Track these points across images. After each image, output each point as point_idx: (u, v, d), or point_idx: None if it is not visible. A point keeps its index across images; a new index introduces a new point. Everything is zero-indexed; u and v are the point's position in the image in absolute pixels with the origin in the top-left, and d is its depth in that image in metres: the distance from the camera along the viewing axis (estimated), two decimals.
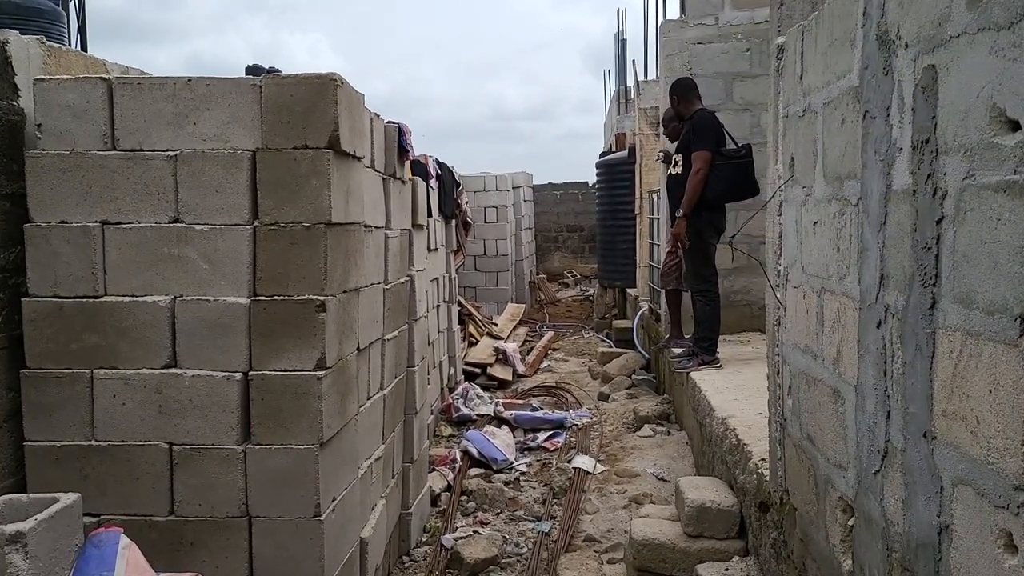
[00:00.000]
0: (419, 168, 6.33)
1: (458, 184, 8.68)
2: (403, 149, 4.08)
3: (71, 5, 17.02)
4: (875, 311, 2.05)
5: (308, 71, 2.95)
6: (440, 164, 7.67)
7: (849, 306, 2.25)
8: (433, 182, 7.07)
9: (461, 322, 10.25)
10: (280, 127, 2.94)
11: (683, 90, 5.75)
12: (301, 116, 2.93)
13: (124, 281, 3.00)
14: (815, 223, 2.57)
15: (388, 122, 4.11)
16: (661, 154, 7.19)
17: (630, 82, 14.22)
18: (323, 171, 2.93)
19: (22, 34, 3.29)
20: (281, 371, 2.95)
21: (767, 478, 3.31)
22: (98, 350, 2.99)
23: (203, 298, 2.97)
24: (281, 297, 2.95)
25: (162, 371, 2.98)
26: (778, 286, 3.05)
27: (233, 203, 2.97)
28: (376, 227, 3.82)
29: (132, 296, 2.99)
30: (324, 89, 2.92)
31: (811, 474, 2.65)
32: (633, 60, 13.37)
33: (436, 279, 7.39)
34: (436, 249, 7.33)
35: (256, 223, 2.97)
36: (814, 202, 2.58)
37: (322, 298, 2.94)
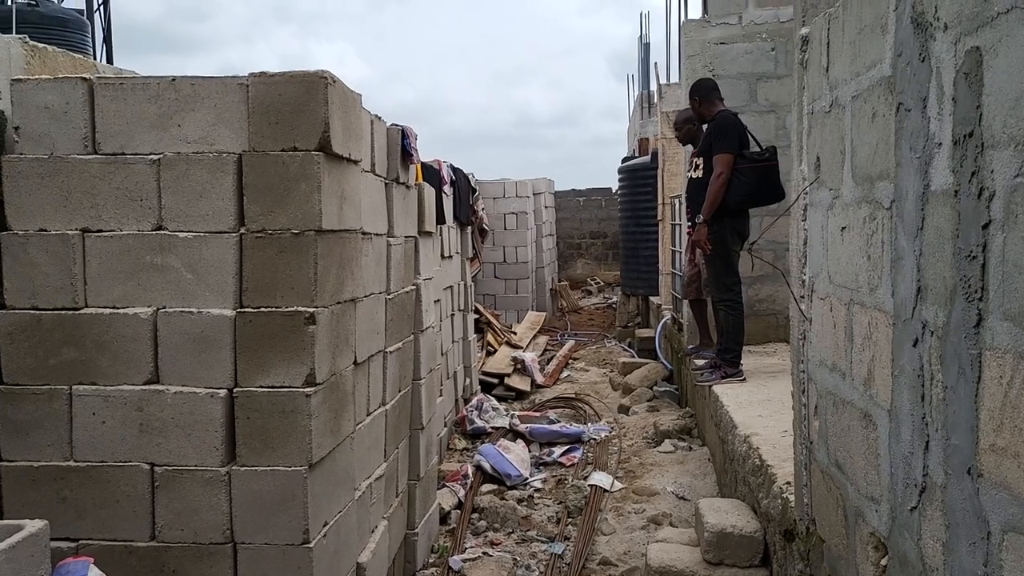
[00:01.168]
0: (432, 174, 6.16)
1: (474, 190, 8.50)
2: (407, 153, 3.90)
3: (97, 15, 17.14)
4: (911, 327, 1.82)
5: (298, 69, 2.77)
6: (455, 170, 7.49)
7: (882, 321, 2.02)
8: (447, 188, 6.90)
9: (479, 331, 10.06)
10: (268, 128, 2.77)
11: (704, 91, 5.51)
12: (290, 116, 2.75)
13: (105, 292, 2.84)
14: (843, 228, 2.34)
15: (392, 125, 3.93)
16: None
17: (653, 86, 13.98)
18: (313, 174, 2.75)
19: (46, 43, 3.17)
20: (268, 387, 2.77)
21: (792, 504, 3.07)
22: (77, 365, 2.83)
23: (186, 310, 2.80)
24: (268, 309, 2.77)
25: (143, 387, 2.81)
26: (803, 297, 2.82)
27: (218, 209, 2.80)
28: (377, 234, 3.63)
29: (113, 308, 2.83)
30: (314, 88, 2.74)
31: (840, 504, 2.41)
32: (655, 63, 13.14)
33: (451, 287, 7.21)
34: (450, 256, 7.14)
35: (242, 230, 2.80)
36: (842, 205, 2.35)
37: (311, 310, 2.76)
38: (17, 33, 3.45)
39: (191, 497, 2.79)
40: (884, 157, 1.99)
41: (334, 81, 2.81)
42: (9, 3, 14.27)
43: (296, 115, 2.75)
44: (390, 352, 3.85)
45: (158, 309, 2.81)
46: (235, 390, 2.79)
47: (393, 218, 3.88)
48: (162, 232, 2.82)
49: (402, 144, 3.86)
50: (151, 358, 2.81)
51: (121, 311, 2.81)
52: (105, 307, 2.83)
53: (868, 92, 2.10)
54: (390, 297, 3.85)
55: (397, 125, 3.93)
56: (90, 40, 14.77)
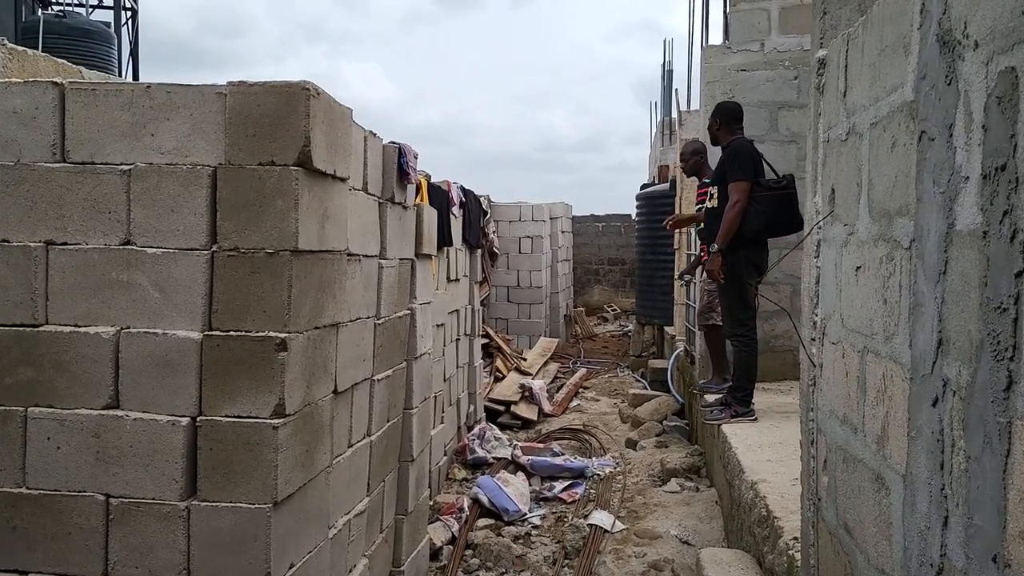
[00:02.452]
0: (441, 195, 6.00)
1: (486, 213, 8.33)
2: (403, 172, 3.73)
3: (125, 28, 17.29)
4: (930, 385, 1.59)
5: (279, 79, 2.61)
6: (466, 192, 7.34)
7: (897, 374, 1.80)
8: (456, 210, 6.74)
9: (489, 355, 9.86)
10: (245, 141, 2.60)
11: (726, 114, 5.31)
12: (268, 129, 2.59)
13: (66, 309, 2.67)
14: (858, 268, 2.12)
15: (389, 143, 3.76)
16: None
17: (674, 113, 13.81)
18: (290, 191, 2.58)
19: (72, 56, 3.05)
20: (233, 417, 2.59)
21: (799, 563, 2.83)
22: (34, 386, 2.66)
23: (151, 331, 2.62)
24: (238, 333, 2.59)
25: (102, 412, 2.64)
26: (814, 340, 2.60)
27: (190, 224, 2.63)
28: (367, 255, 3.46)
29: (74, 326, 2.66)
30: (294, 99, 2.58)
31: (848, 572, 2.17)
32: (676, 89, 12.96)
33: (457, 311, 7.02)
34: (457, 279, 6.97)
35: (214, 248, 2.63)
36: (857, 243, 2.13)
37: (283, 335, 2.58)
38: (44, 44, 3.33)
39: (147, 532, 2.60)
40: (904, 191, 1.78)
41: (318, 93, 2.64)
42: (38, 14, 14.43)
43: (275, 128, 2.58)
44: (378, 380, 3.66)
45: (121, 329, 2.64)
46: (199, 419, 2.60)
47: (386, 239, 3.71)
48: (130, 247, 2.65)
49: (399, 162, 3.69)
50: (111, 381, 2.63)
51: (82, 330, 2.65)
52: (66, 325, 2.66)
53: (888, 119, 1.90)
54: (380, 322, 3.67)
55: (395, 143, 3.77)
56: (116, 53, 14.88)
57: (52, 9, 15.62)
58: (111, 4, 16.56)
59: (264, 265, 2.59)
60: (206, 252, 2.62)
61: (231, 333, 2.60)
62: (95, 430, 2.63)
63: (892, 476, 1.82)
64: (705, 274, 5.41)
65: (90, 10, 16.18)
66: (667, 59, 15.84)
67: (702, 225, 6.25)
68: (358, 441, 3.44)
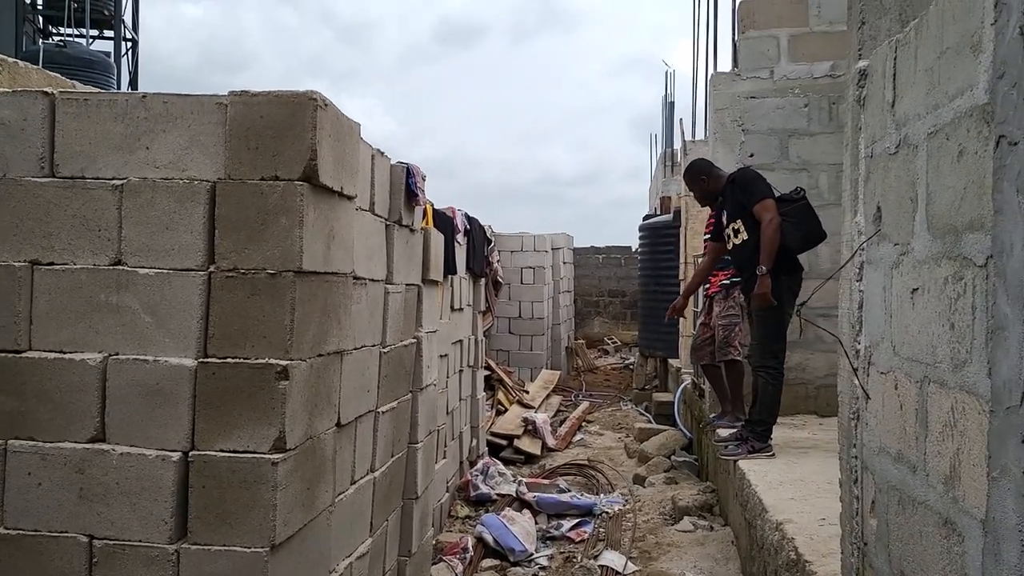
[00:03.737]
0: (446, 221, 5.84)
1: (490, 241, 8.17)
2: (411, 193, 3.57)
3: (124, 59, 17.26)
4: (1017, 419, 1.41)
5: (284, 88, 2.45)
6: (470, 219, 7.18)
7: (972, 406, 1.61)
8: (460, 237, 6.58)
9: (490, 388, 9.63)
10: (247, 154, 2.44)
11: (704, 169, 5.29)
12: (272, 141, 2.42)
13: (51, 334, 2.48)
14: (914, 290, 1.94)
15: (397, 163, 3.61)
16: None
17: (676, 144, 13.75)
18: (294, 207, 2.41)
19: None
20: (229, 452, 2.39)
21: None
22: (15, 416, 2.46)
23: (141, 358, 2.43)
24: (235, 360, 2.40)
25: (86, 446, 2.43)
26: (856, 370, 2.41)
27: (186, 243, 2.45)
28: (373, 280, 3.28)
29: (59, 352, 2.47)
30: (301, 110, 2.42)
31: None
32: (680, 119, 12.90)
33: (460, 341, 6.82)
34: (461, 308, 6.78)
35: (212, 268, 2.45)
36: (912, 263, 1.96)
37: (284, 362, 2.39)
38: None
39: None
40: (975, 203, 1.61)
41: (325, 104, 2.48)
42: (39, 44, 14.39)
43: (279, 140, 2.42)
44: (382, 412, 3.46)
45: (109, 355, 2.45)
46: (191, 453, 2.40)
47: (393, 263, 3.53)
48: (121, 267, 2.47)
49: (407, 183, 3.53)
50: (97, 412, 2.44)
51: (68, 356, 2.46)
52: (50, 351, 2.47)
53: (952, 126, 1.73)
54: (385, 351, 3.48)
55: (403, 163, 3.61)
56: (115, 82, 14.86)
57: (52, 39, 15.60)
58: (111, 35, 16.59)
59: (265, 287, 2.41)
60: (202, 273, 2.44)
61: (228, 360, 2.41)
62: (79, 465, 2.42)
63: (966, 521, 1.63)
64: (756, 300, 4.96)
65: (90, 40, 16.19)
66: (669, 91, 15.82)
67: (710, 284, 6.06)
68: (361, 477, 3.23)
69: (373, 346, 3.32)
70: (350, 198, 2.84)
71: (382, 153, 3.35)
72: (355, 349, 3.04)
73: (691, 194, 9.27)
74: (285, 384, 2.38)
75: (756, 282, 4.71)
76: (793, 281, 4.87)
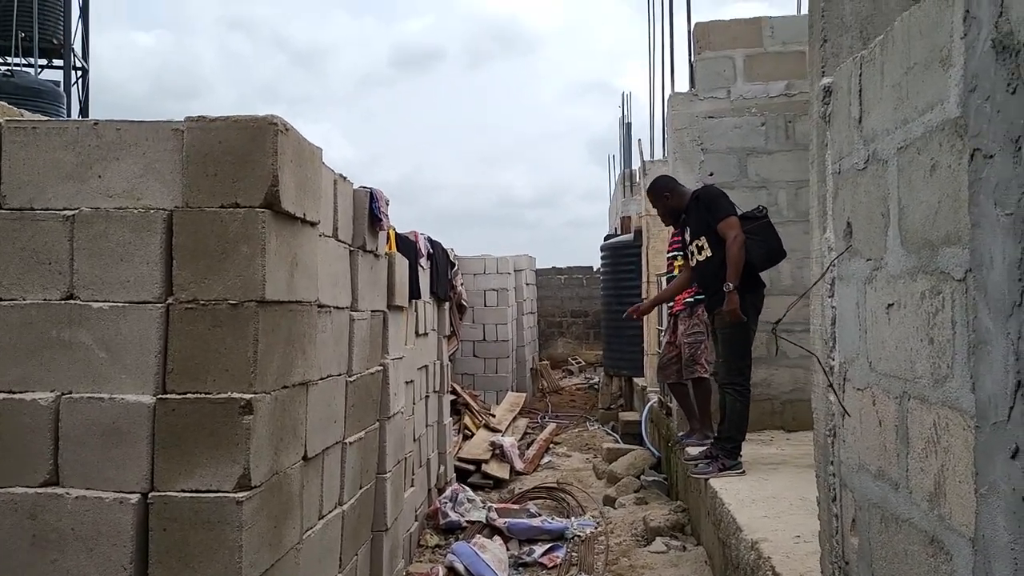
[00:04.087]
0: (409, 245, 5.77)
1: (453, 264, 8.11)
2: (375, 217, 3.50)
3: (74, 88, 16.94)
4: (1005, 434, 1.39)
5: (243, 113, 2.38)
6: (433, 242, 7.12)
7: (955, 422, 1.59)
8: (424, 261, 6.51)
9: (456, 412, 9.53)
10: (205, 181, 2.36)
11: (668, 186, 5.31)
12: (231, 168, 2.35)
13: (1, 373, 2.36)
14: (889, 306, 1.93)
15: (360, 187, 3.54)
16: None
17: (635, 164, 13.88)
18: (256, 235, 2.33)
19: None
20: (191, 492, 2.28)
21: None
22: None
23: (96, 396, 2.33)
24: (196, 395, 2.31)
25: (39, 490, 2.31)
26: (830, 387, 2.40)
27: (142, 275, 2.36)
28: (337, 307, 3.20)
29: (8, 392, 2.35)
30: (261, 135, 2.35)
31: None
32: (639, 139, 13.05)
33: (426, 366, 6.73)
34: (426, 333, 6.70)
35: (170, 300, 2.36)
36: (886, 278, 1.95)
37: (248, 396, 2.30)
38: None
39: None
40: (951, 217, 1.60)
41: (286, 129, 2.42)
42: None
43: (239, 166, 2.34)
44: (350, 443, 3.37)
45: (62, 394, 2.34)
46: (151, 494, 2.30)
47: (358, 290, 3.45)
48: (73, 302, 2.37)
49: (370, 208, 3.47)
50: (50, 454, 2.32)
51: (18, 396, 2.34)
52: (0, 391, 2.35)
53: (924, 140, 1.73)
54: (352, 379, 3.39)
55: (366, 187, 3.55)
56: (65, 112, 14.57)
57: (0, 68, 15.26)
58: (61, 64, 16.29)
59: (226, 318, 2.32)
60: (160, 305, 2.35)
61: (188, 396, 2.31)
62: (31, 510, 2.30)
63: (954, 539, 1.61)
64: (725, 317, 4.96)
65: (39, 69, 15.88)
66: (625, 112, 16.00)
67: (676, 271, 6.11)
68: (329, 512, 3.13)
69: (339, 375, 3.23)
70: (313, 224, 2.77)
71: (344, 178, 3.29)
72: (321, 379, 2.95)
73: (653, 213, 9.34)
74: (249, 419, 2.29)
75: (722, 299, 4.73)
76: (756, 298, 4.91)
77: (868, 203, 2.07)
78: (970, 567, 1.53)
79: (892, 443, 1.93)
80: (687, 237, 5.22)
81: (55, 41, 16.44)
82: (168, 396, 2.32)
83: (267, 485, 2.41)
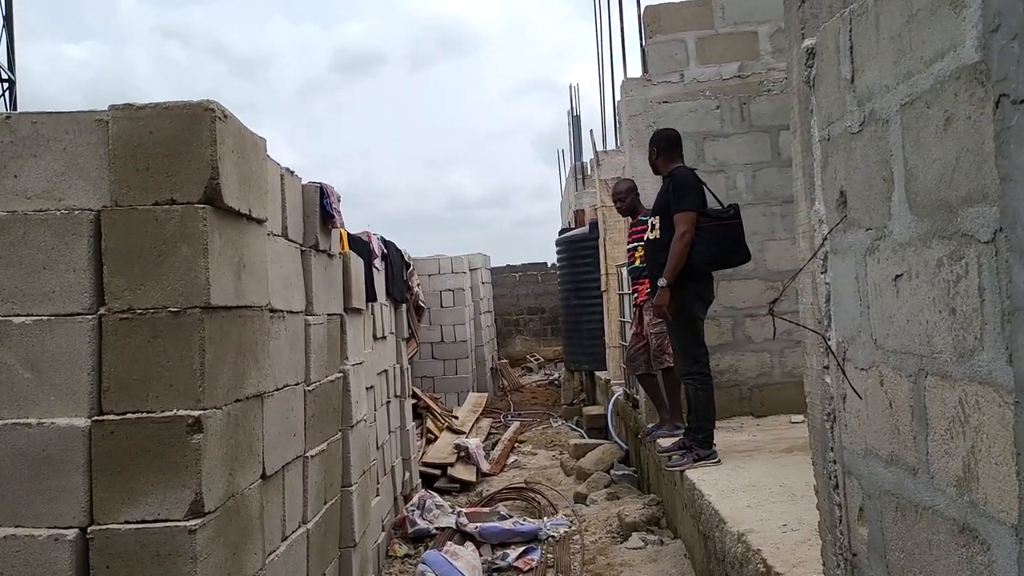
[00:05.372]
0: (362, 246, 5.53)
1: (408, 265, 7.88)
2: (327, 214, 3.27)
3: (1, 100, 16.24)
4: None
5: (175, 99, 2.14)
6: (386, 243, 6.88)
7: (988, 398, 1.44)
8: (378, 262, 6.27)
9: (418, 416, 9.29)
10: (136, 176, 2.11)
11: (665, 143, 5.05)
12: (165, 160, 2.11)
13: None
14: (897, 277, 1.79)
15: (309, 182, 3.31)
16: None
17: (587, 156, 13.78)
18: (197, 234, 2.09)
19: None
20: (136, 524, 2.04)
21: None
22: None
23: (22, 421, 2.07)
24: (136, 415, 2.06)
25: None
26: (827, 368, 2.25)
27: (68, 284, 2.10)
28: (291, 311, 2.96)
29: None
30: (196, 123, 2.11)
31: None
32: (591, 130, 12.91)
33: (385, 371, 6.49)
34: (384, 337, 6.46)
35: (102, 311, 2.11)
36: (892, 247, 1.80)
37: (196, 413, 2.06)
38: None
39: None
40: (973, 174, 1.45)
41: (225, 116, 2.18)
42: None
43: (174, 158, 2.10)
44: (312, 457, 3.13)
45: None
46: (90, 529, 2.05)
47: (312, 292, 3.22)
48: None
49: (321, 204, 3.23)
50: None
51: None
52: None
53: (933, 93, 1.58)
54: (310, 388, 3.16)
55: (315, 183, 3.31)
56: None
57: None
58: None
59: (168, 328, 2.08)
60: (90, 317, 2.10)
61: (128, 416, 2.07)
62: None
63: (991, 527, 1.46)
64: (653, 312, 5.08)
65: None
66: (574, 105, 15.90)
67: (637, 263, 5.99)
68: (293, 531, 2.89)
69: (297, 384, 3.00)
70: (260, 222, 2.53)
71: (292, 172, 3.05)
72: (277, 390, 2.72)
73: (610, 204, 9.22)
74: (199, 437, 2.06)
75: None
76: (702, 287, 4.81)
77: (866, 168, 1.93)
78: (1013, 557, 1.39)
79: (906, 425, 1.78)
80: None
81: None
82: (105, 418, 2.07)
83: (223, 510, 2.18)
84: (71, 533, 2.04)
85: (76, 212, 2.12)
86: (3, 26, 16.46)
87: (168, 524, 2.03)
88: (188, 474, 2.05)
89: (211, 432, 2.10)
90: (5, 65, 16.07)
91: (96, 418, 2.07)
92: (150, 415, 2.07)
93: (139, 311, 2.09)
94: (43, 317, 2.10)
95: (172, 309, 2.09)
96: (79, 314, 2.10)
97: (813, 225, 2.27)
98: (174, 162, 2.10)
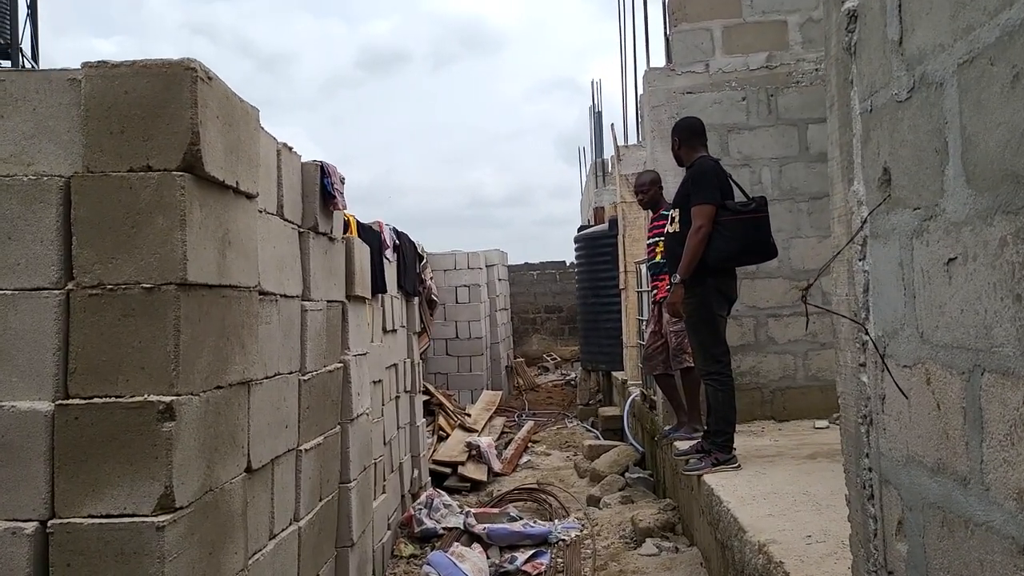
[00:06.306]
0: (373, 236, 5.38)
1: (421, 257, 7.71)
2: (328, 195, 3.09)
3: None
4: None
5: (153, 57, 1.96)
6: (399, 234, 6.71)
7: None
8: (390, 253, 6.11)
9: (430, 413, 9.13)
10: (109, 140, 1.94)
11: (687, 132, 4.82)
12: (141, 123, 1.94)
13: None
14: (950, 260, 1.57)
15: (310, 161, 3.13)
16: None
17: (607, 153, 13.57)
18: (173, 204, 1.92)
19: None
20: (100, 518, 1.87)
21: None
22: None
23: None
24: (103, 399, 1.89)
25: None
26: (863, 366, 2.04)
27: (35, 256, 1.94)
28: (286, 295, 2.79)
29: None
30: (176, 83, 1.94)
31: None
32: (612, 124, 12.70)
33: (395, 365, 6.33)
34: (394, 330, 6.29)
35: (70, 286, 1.94)
36: (944, 227, 1.59)
37: (169, 398, 1.89)
38: None
39: None
40: None
41: (208, 77, 2.01)
42: None
43: (150, 121, 1.93)
44: (306, 450, 2.96)
45: None
46: (50, 522, 1.88)
47: (310, 276, 3.04)
48: None
49: (322, 183, 3.06)
50: None
51: None
52: None
53: (999, 47, 1.37)
54: (306, 378, 2.98)
55: (317, 161, 3.13)
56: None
57: None
58: (8, 66, 15.65)
59: (140, 305, 1.91)
60: (58, 292, 1.93)
61: (95, 400, 1.90)
62: None
63: None
64: (667, 308, 4.86)
65: None
66: (596, 101, 15.68)
67: (657, 258, 5.77)
68: (283, 530, 2.72)
69: (290, 373, 2.82)
70: (250, 196, 2.36)
71: (291, 148, 2.88)
72: (267, 378, 2.55)
73: (630, 200, 9.00)
74: (171, 426, 1.88)
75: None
76: (722, 283, 4.57)
77: (915, 140, 1.71)
78: None
79: (957, 429, 1.57)
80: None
81: (1, 41, 15.80)
82: (70, 402, 1.91)
83: (198, 505, 2.01)
84: (30, 526, 1.87)
85: (45, 178, 1.95)
86: (28, 16, 16.52)
87: (134, 519, 1.86)
88: (158, 465, 1.87)
89: (185, 420, 1.93)
90: (29, 55, 16.11)
91: (60, 402, 1.91)
92: (119, 400, 1.90)
93: (110, 287, 1.92)
94: (6, 291, 1.94)
95: (145, 285, 1.92)
96: (45, 288, 1.94)
97: (851, 207, 2.06)
98: (151, 125, 1.93)
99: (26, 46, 16.18)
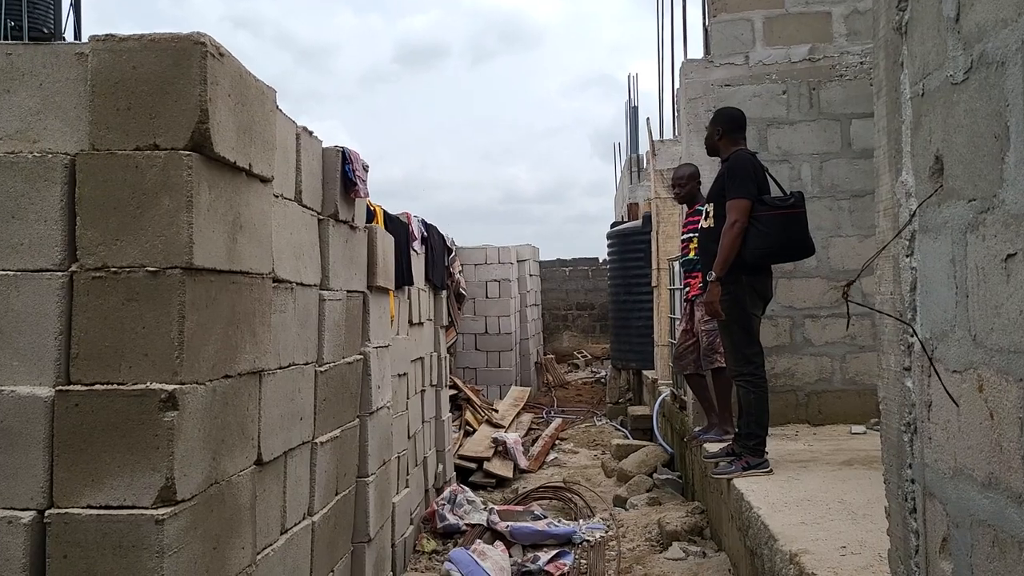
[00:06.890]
0: (401, 228, 5.30)
1: (450, 251, 7.62)
2: (349, 182, 3.01)
3: None
4: None
5: (164, 31, 1.89)
6: (428, 226, 6.64)
7: None
8: (417, 245, 6.03)
9: (457, 407, 9.06)
10: (116, 117, 1.87)
11: (729, 122, 4.65)
12: (149, 99, 1.86)
13: None
14: (1009, 256, 1.44)
15: (332, 146, 3.05)
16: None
17: (643, 149, 13.38)
18: (180, 184, 1.84)
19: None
20: (99, 508, 1.80)
21: None
22: None
23: None
24: (105, 386, 1.82)
25: None
26: (908, 370, 1.90)
27: (38, 236, 1.88)
28: (302, 284, 2.71)
29: None
30: (185, 59, 1.86)
31: None
32: (648, 118, 12.49)
33: (421, 358, 6.26)
34: (421, 323, 6.22)
35: (73, 267, 1.87)
36: (1003, 221, 1.45)
37: (172, 387, 1.82)
38: None
39: None
40: None
41: (220, 54, 1.93)
42: None
43: (158, 97, 1.86)
44: (321, 443, 2.88)
45: None
46: (48, 512, 1.82)
47: (329, 265, 2.96)
48: None
49: (343, 170, 2.97)
50: None
51: None
52: None
53: None
54: (323, 369, 2.90)
55: (338, 147, 3.05)
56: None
57: None
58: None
59: (145, 289, 1.84)
60: (61, 274, 1.86)
61: (96, 387, 1.83)
62: None
63: None
64: (704, 310, 4.72)
65: None
66: (632, 96, 15.49)
67: (691, 255, 5.62)
68: (295, 524, 2.64)
69: (306, 364, 2.75)
70: (264, 180, 2.28)
71: (310, 132, 2.80)
72: (280, 368, 2.47)
73: (663, 195, 8.84)
74: (173, 415, 1.81)
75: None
76: (757, 281, 4.40)
77: (971, 125, 1.57)
78: None
79: (1012, 441, 1.43)
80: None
81: (45, 31, 16.04)
82: (71, 388, 1.84)
83: (201, 498, 1.93)
84: (27, 516, 1.81)
85: (50, 156, 1.89)
86: (71, 6, 16.75)
87: (134, 511, 1.79)
88: (159, 456, 1.80)
89: (189, 410, 1.86)
90: None
91: (61, 388, 1.84)
92: (120, 387, 1.83)
93: (114, 269, 1.85)
94: (8, 272, 1.88)
95: (150, 268, 1.84)
96: (48, 270, 1.87)
97: (898, 199, 1.92)
98: (158, 101, 1.86)
99: (69, 37, 16.44)
